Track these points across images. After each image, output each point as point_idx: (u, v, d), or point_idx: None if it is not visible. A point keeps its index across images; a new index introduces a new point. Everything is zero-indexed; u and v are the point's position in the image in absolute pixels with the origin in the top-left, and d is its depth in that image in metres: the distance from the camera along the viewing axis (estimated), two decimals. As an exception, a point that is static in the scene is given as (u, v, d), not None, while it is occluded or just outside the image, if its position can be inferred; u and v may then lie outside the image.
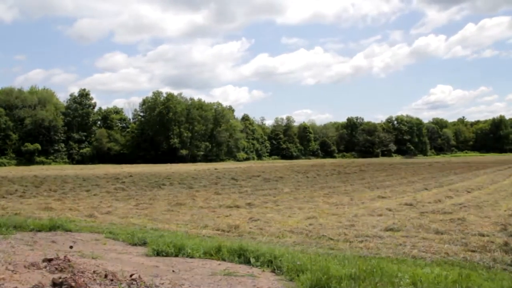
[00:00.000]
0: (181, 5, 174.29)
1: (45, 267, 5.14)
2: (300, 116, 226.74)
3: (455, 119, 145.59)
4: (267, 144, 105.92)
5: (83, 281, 4.39)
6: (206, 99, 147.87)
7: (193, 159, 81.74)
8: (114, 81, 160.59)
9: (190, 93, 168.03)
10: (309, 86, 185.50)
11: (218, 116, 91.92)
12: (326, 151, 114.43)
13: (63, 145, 77.38)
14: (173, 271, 5.67)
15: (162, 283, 4.87)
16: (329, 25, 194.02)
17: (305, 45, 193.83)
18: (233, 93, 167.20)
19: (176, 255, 6.78)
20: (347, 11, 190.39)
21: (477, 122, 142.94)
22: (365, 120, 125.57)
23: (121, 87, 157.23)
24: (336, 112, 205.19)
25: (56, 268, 5.06)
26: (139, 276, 4.86)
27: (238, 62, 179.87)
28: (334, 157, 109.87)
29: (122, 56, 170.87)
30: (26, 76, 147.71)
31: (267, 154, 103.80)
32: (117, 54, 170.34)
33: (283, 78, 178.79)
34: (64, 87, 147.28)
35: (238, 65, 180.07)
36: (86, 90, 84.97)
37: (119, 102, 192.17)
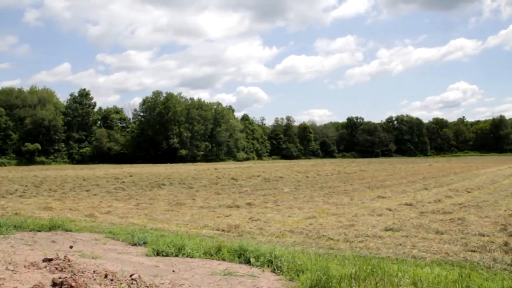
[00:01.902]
0: (222, 6, 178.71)
1: (45, 267, 5.13)
2: (316, 117, 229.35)
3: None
4: (267, 144, 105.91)
5: (83, 281, 4.38)
6: (232, 98, 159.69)
7: (193, 159, 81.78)
8: (138, 79, 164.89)
9: (210, 93, 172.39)
10: (328, 86, 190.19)
11: (218, 116, 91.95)
12: (326, 151, 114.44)
13: (63, 145, 77.42)
14: (173, 271, 5.67)
15: (162, 283, 4.87)
16: (352, 26, 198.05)
17: (326, 47, 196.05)
18: (255, 94, 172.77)
19: (176, 255, 6.78)
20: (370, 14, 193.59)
21: (477, 122, 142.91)
22: (365, 120, 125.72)
23: (145, 86, 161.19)
24: (353, 112, 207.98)
25: (56, 268, 5.06)
26: (139, 276, 4.86)
27: (265, 63, 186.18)
28: (334, 157, 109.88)
29: (147, 55, 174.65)
30: (52, 72, 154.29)
31: (267, 154, 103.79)
32: (144, 53, 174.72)
33: (302, 79, 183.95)
34: (88, 84, 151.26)
35: (264, 67, 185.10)
36: (86, 90, 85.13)
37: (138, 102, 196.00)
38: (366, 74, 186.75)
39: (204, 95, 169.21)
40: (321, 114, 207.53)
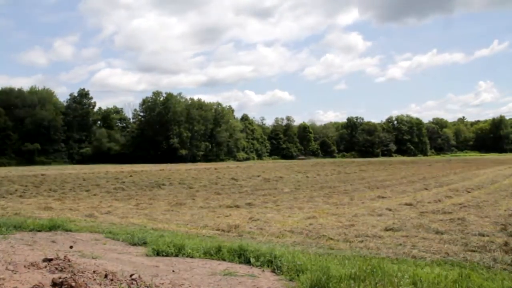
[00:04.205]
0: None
1: (45, 267, 5.13)
2: (330, 118, 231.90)
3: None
4: (267, 144, 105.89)
5: (83, 281, 4.38)
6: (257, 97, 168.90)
7: (193, 159, 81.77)
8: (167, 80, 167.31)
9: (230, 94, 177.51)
10: (346, 89, 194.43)
11: (218, 116, 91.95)
12: (326, 151, 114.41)
13: (63, 145, 77.41)
14: (173, 271, 5.67)
15: (162, 283, 4.87)
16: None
17: (348, 48, 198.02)
18: (278, 95, 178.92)
19: (176, 255, 6.78)
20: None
21: (477, 122, 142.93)
22: (365, 120, 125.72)
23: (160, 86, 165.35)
24: (370, 112, 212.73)
25: (56, 268, 5.06)
26: (139, 276, 4.86)
27: (286, 66, 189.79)
28: (334, 157, 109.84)
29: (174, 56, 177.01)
30: (90, 69, 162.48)
31: (267, 154, 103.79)
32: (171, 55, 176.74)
33: (323, 82, 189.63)
34: (122, 84, 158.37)
35: (286, 69, 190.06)
36: (86, 90, 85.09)
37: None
38: (384, 77, 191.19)
39: (228, 95, 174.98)
40: (337, 114, 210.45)
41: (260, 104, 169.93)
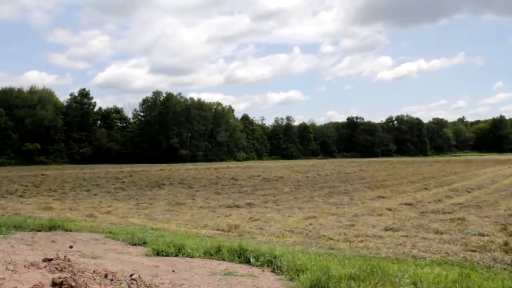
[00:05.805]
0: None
1: (45, 267, 5.13)
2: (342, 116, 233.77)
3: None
4: (267, 144, 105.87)
5: (83, 281, 4.38)
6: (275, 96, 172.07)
7: (193, 159, 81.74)
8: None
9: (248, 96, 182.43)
10: (359, 89, 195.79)
11: (218, 116, 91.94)
12: (326, 151, 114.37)
13: (63, 144, 77.39)
14: (173, 271, 5.67)
15: (162, 283, 4.87)
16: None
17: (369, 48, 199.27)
18: (296, 96, 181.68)
19: (176, 255, 6.78)
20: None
21: (477, 122, 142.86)
22: (365, 120, 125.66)
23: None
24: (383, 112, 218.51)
25: (56, 268, 5.06)
26: (139, 276, 4.85)
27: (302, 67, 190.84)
28: (334, 157, 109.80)
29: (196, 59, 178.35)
30: (114, 68, 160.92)
31: (267, 154, 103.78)
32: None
33: (339, 81, 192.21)
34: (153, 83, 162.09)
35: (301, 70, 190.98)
36: (86, 90, 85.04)
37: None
38: (394, 77, 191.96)
39: (248, 96, 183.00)
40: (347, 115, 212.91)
41: (279, 105, 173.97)
